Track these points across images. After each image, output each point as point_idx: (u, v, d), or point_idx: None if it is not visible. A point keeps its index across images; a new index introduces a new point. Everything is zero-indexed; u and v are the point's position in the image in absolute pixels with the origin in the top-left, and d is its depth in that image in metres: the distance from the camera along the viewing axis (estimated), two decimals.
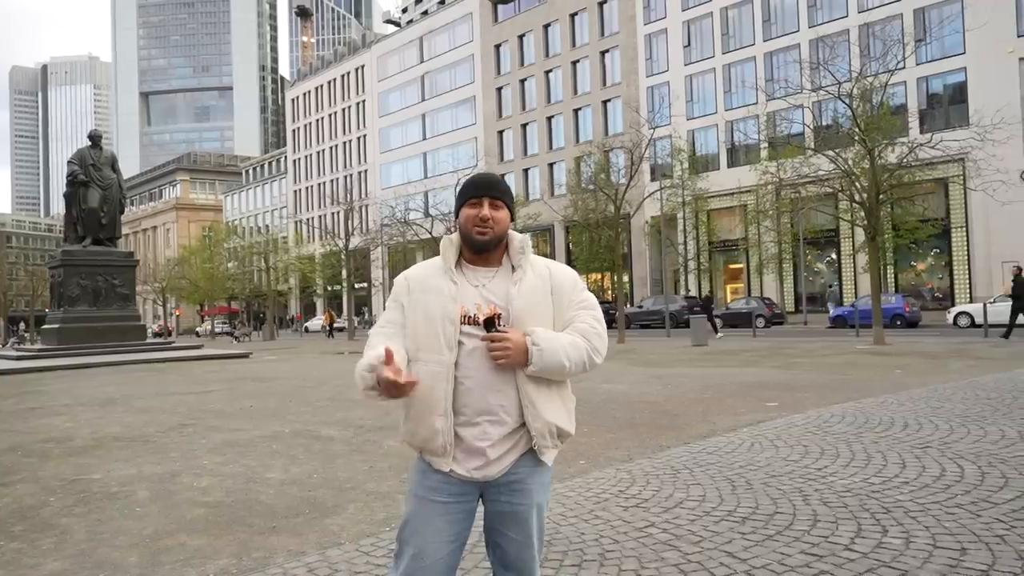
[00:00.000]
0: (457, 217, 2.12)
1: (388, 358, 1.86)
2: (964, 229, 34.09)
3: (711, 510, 4.02)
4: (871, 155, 18.69)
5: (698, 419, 7.29)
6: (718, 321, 27.06)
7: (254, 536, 4.05)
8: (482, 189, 2.07)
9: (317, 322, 58.43)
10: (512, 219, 2.11)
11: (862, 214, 20.17)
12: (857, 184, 19.19)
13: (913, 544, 3.32)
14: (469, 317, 1.98)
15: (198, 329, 65.71)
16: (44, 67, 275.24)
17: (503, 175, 53.90)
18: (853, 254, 34.51)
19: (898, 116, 26.13)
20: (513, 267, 2.07)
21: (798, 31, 39.68)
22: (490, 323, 1.94)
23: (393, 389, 1.84)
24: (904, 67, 22.95)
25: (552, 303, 2.06)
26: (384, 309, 2.17)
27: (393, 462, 5.80)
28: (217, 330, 61.67)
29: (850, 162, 19.69)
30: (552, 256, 48.98)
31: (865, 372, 11.30)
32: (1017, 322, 17.91)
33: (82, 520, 4.49)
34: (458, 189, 2.15)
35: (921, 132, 29.34)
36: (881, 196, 19.14)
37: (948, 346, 16.26)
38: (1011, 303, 18.31)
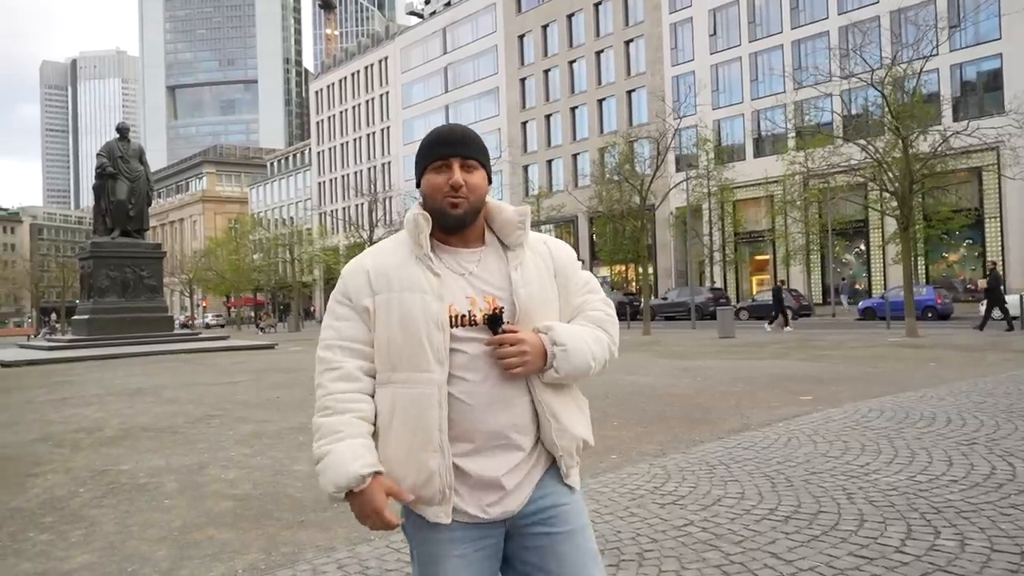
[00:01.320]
0: (419, 186, 1.66)
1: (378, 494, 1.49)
2: (998, 219, 33.32)
3: (751, 508, 3.88)
4: (904, 143, 18.27)
5: (730, 413, 7.13)
6: (789, 313, 24.38)
7: (282, 530, 3.99)
8: (449, 147, 1.60)
9: None
10: (489, 181, 1.66)
11: (894, 204, 19.76)
12: (889, 174, 18.79)
13: (969, 547, 3.17)
14: (461, 317, 1.55)
15: (180, 320, 63.13)
16: (73, 62, 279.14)
17: (526, 166, 53.79)
18: (883, 245, 33.91)
19: (931, 104, 25.58)
20: (505, 245, 1.65)
21: (827, 18, 38.96)
22: (495, 320, 1.53)
23: (376, 524, 1.49)
24: (937, 54, 22.41)
25: (558, 288, 1.67)
26: (329, 314, 1.64)
27: None
28: (210, 322, 61.71)
29: (881, 151, 19.28)
30: (577, 248, 48.83)
31: (899, 365, 11.04)
32: (993, 316, 18.90)
33: (111, 512, 4.47)
34: (419, 147, 1.66)
35: (955, 120, 28.70)
36: (914, 186, 18.72)
37: (983, 339, 15.87)
38: (990, 298, 19.19)
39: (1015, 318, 19.18)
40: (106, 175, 23.45)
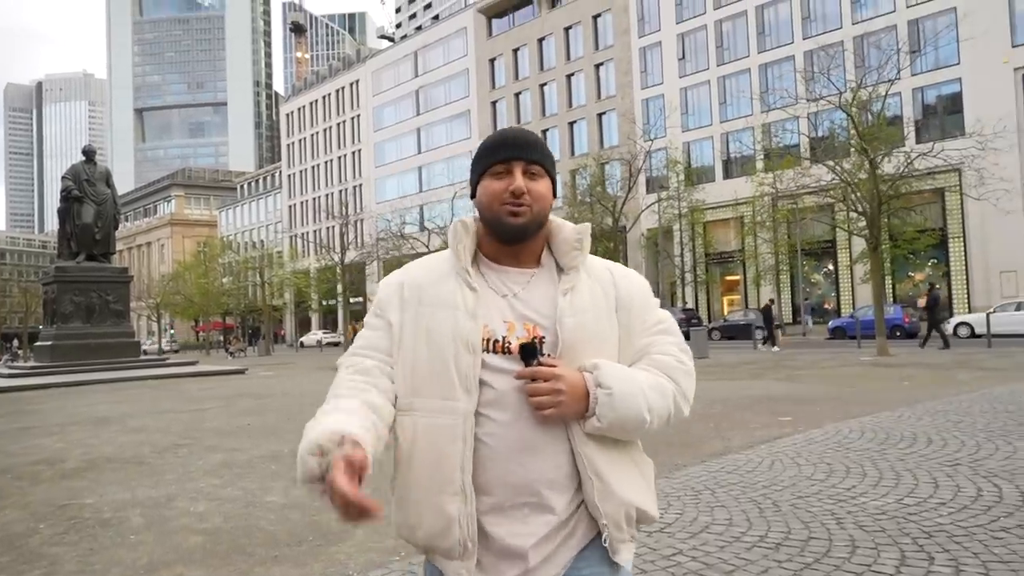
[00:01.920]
0: (474, 195, 1.46)
1: (347, 445, 1.19)
2: (961, 239, 34.04)
3: (740, 535, 3.79)
4: (871, 164, 18.60)
5: (711, 435, 7.07)
6: (779, 332, 24.09)
7: (255, 567, 3.81)
8: (513, 149, 1.40)
9: (313, 337, 58.04)
10: (555, 194, 1.48)
11: (862, 224, 20.08)
12: (856, 194, 19.11)
13: (964, 573, 3.11)
14: (495, 342, 1.34)
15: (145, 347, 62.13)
16: (39, 84, 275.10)
17: None
18: (851, 264, 34.45)
19: (896, 126, 26.14)
20: (561, 268, 1.43)
21: (792, 42, 39.78)
22: (530, 351, 1.30)
23: (343, 505, 1.14)
24: (900, 78, 22.95)
25: (619, 325, 1.42)
26: (363, 326, 1.50)
27: None
28: (164, 347, 60.28)
29: (848, 172, 19.62)
30: None
31: (874, 384, 11.10)
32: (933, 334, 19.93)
33: (73, 549, 4.25)
34: (475, 152, 1.48)
35: (918, 142, 29.35)
36: (882, 207, 19.05)
37: (952, 357, 16.08)
38: (929, 317, 20.40)
39: (980, 336, 19.56)
40: (72, 198, 22.99)
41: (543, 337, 1.35)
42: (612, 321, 1.41)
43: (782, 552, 3.49)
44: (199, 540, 4.32)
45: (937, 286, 22.17)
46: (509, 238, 1.40)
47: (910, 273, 36.59)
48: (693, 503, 4.49)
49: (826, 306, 39.24)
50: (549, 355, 1.34)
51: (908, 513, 4.00)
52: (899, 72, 21.25)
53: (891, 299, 34.13)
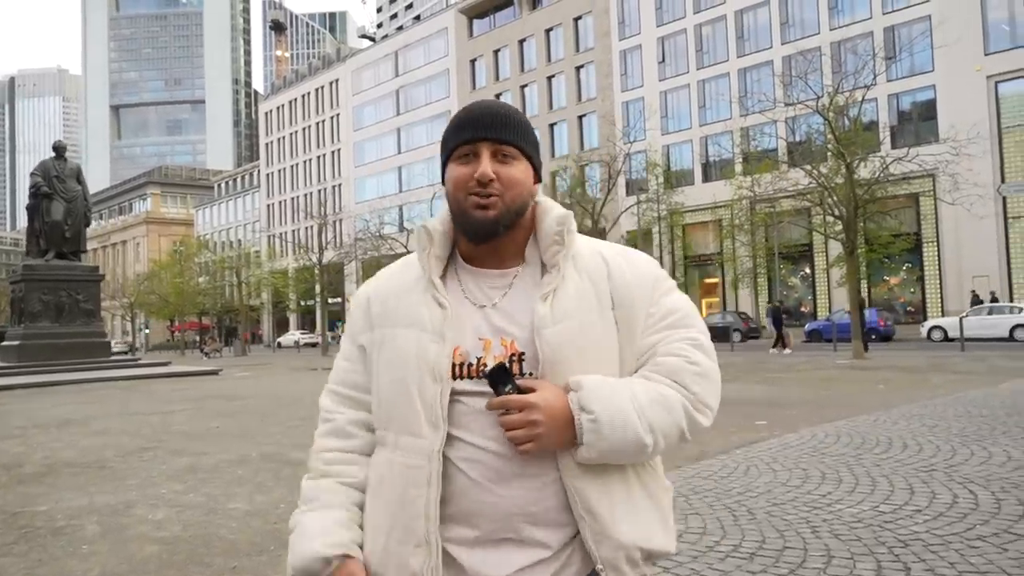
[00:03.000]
0: (444, 183, 1.25)
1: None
2: (935, 243, 34.43)
3: (714, 544, 3.70)
4: (848, 169, 18.72)
5: None
6: (789, 335, 23.19)
7: None
8: (479, 128, 1.18)
9: (291, 337, 57.48)
10: (538, 179, 1.25)
11: (838, 228, 20.21)
12: (833, 198, 19.23)
13: None
14: (469, 365, 1.16)
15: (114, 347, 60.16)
16: (11, 79, 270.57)
17: None
18: (827, 268, 34.71)
19: (871, 132, 26.37)
20: (545, 265, 1.21)
21: (771, 47, 40.04)
22: (500, 376, 1.11)
23: None
24: (876, 83, 23.14)
25: (616, 323, 1.18)
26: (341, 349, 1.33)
27: None
28: (137, 346, 58.92)
29: (825, 176, 19.73)
30: None
31: (849, 387, 11.12)
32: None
33: (21, 560, 4.06)
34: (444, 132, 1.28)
35: (893, 147, 29.65)
36: (858, 211, 19.18)
37: (926, 360, 16.20)
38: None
39: (953, 339, 19.82)
40: (41, 195, 22.50)
41: (522, 353, 1.15)
42: (607, 322, 1.17)
43: (756, 562, 3.40)
44: (155, 550, 4.15)
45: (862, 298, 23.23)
46: (477, 236, 1.19)
47: (885, 277, 36.96)
48: None
49: (802, 309, 39.52)
50: (531, 374, 1.14)
51: (884, 521, 3.93)
52: (875, 78, 21.43)
53: (867, 303, 34.46)
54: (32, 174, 23.12)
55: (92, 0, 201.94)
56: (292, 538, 1.21)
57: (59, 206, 22.56)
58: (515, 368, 1.14)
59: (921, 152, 20.59)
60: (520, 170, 1.20)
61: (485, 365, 1.14)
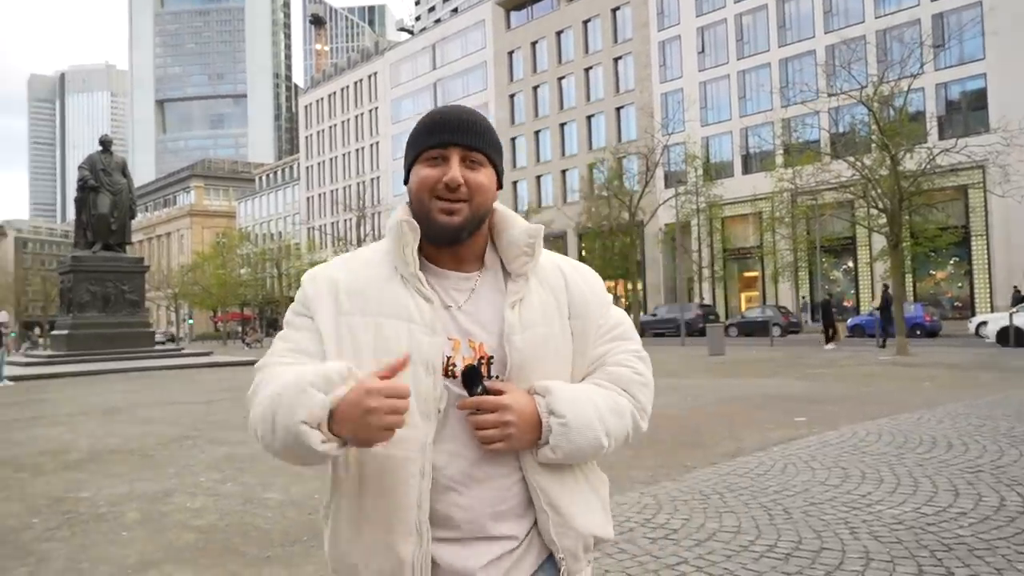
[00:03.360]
0: (407, 182, 1.26)
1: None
2: (984, 237, 33.42)
3: (749, 544, 3.63)
4: (893, 160, 18.24)
5: (723, 435, 6.89)
6: (841, 328, 22.22)
7: (245, 568, 3.70)
8: (448, 132, 1.20)
9: None
10: (499, 185, 1.27)
11: (882, 221, 19.72)
12: (877, 191, 18.75)
13: None
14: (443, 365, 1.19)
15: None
16: (62, 75, 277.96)
17: (515, 182, 53.67)
18: (871, 262, 33.94)
19: (918, 122, 25.65)
20: (508, 273, 1.26)
21: (814, 36, 39.20)
22: (473, 377, 1.15)
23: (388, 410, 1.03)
24: (923, 72, 22.49)
25: (571, 333, 1.26)
26: (285, 327, 1.26)
27: None
28: (180, 336, 59.43)
29: (869, 168, 19.26)
30: None
31: (892, 384, 10.85)
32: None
33: (64, 545, 4.16)
34: (410, 132, 1.27)
35: (941, 138, 28.81)
36: (903, 203, 18.69)
37: (974, 357, 15.73)
38: (882, 317, 20.86)
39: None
40: (88, 188, 23.10)
41: (491, 357, 1.19)
42: (565, 331, 1.25)
43: (792, 563, 3.33)
44: (192, 538, 4.23)
45: (888, 284, 22.37)
46: (439, 240, 1.21)
47: (931, 271, 36.03)
48: (701, 508, 4.33)
49: (845, 304, 38.73)
50: (497, 377, 1.19)
51: (926, 523, 3.81)
52: (922, 66, 20.81)
53: (912, 297, 33.63)
54: (80, 167, 23.74)
55: None
56: (277, 400, 1.08)
57: (105, 199, 23.13)
58: (483, 370, 1.18)
59: (970, 143, 19.95)
60: (486, 176, 1.22)
61: (454, 365, 1.17)
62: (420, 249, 1.22)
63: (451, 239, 1.21)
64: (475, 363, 1.18)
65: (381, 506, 1.15)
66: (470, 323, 1.21)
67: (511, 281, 1.24)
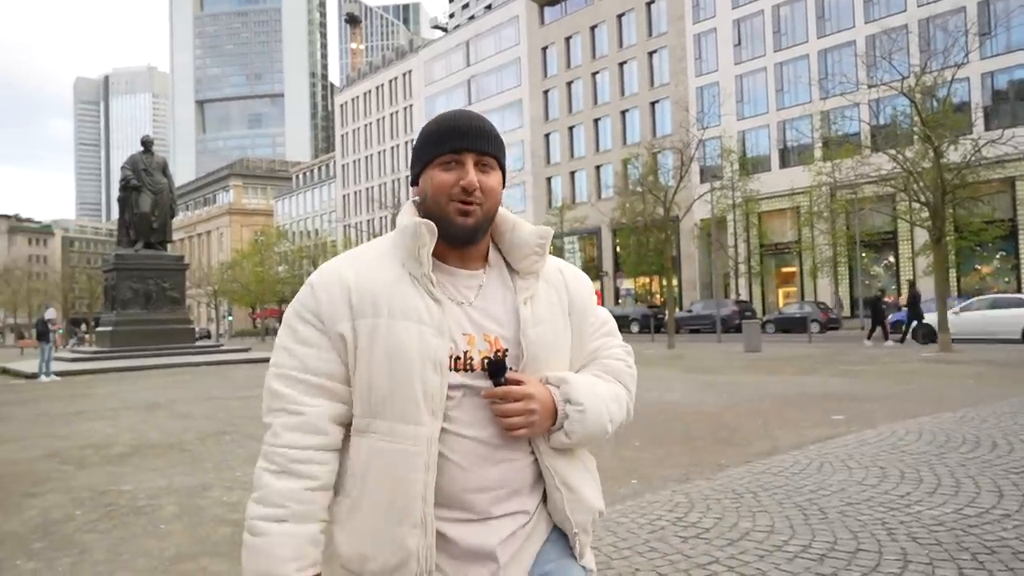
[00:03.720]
0: (415, 183, 1.34)
1: None
2: None
3: (783, 544, 3.57)
4: (936, 153, 17.78)
5: (758, 433, 6.79)
6: (887, 324, 21.31)
7: None
8: (466, 139, 1.26)
9: None
10: (503, 184, 1.35)
11: (924, 215, 19.25)
12: (919, 184, 18.30)
13: None
14: (456, 359, 1.24)
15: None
16: (106, 78, 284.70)
17: (549, 178, 53.54)
18: (912, 257, 33.21)
19: (962, 113, 25.00)
20: (514, 271, 1.35)
21: (853, 27, 38.43)
22: (498, 368, 1.23)
23: None
24: (968, 62, 21.90)
25: (571, 329, 1.37)
26: (288, 333, 1.30)
27: None
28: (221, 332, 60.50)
29: (911, 161, 18.80)
30: (600, 260, 48.53)
31: (935, 382, 10.59)
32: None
33: (104, 537, 4.26)
34: (420, 136, 1.33)
35: (987, 129, 28.03)
36: (946, 196, 18.21)
37: (1021, 354, 15.28)
38: (908, 313, 20.69)
39: None
40: (130, 188, 23.65)
41: (506, 350, 1.28)
42: (567, 326, 1.36)
43: (827, 564, 3.26)
44: (227, 532, 4.29)
45: (913, 281, 23.02)
46: (456, 240, 1.28)
47: (977, 266, 35.12)
48: (734, 507, 4.27)
49: (887, 299, 37.94)
50: (514, 369, 1.27)
51: (968, 525, 3.71)
52: (967, 56, 20.25)
53: (956, 293, 32.80)
54: (122, 168, 24.33)
55: (178, 0, 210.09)
56: (257, 544, 1.19)
57: (147, 198, 23.65)
58: (477, 366, 1.26)
59: (1017, 133, 19.38)
60: (496, 179, 1.30)
61: (471, 359, 1.25)
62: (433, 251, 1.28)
63: (467, 239, 1.29)
64: (491, 355, 1.25)
65: (388, 500, 1.21)
66: (483, 318, 1.28)
67: (520, 279, 1.33)
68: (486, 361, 1.24)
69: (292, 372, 1.26)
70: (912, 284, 21.69)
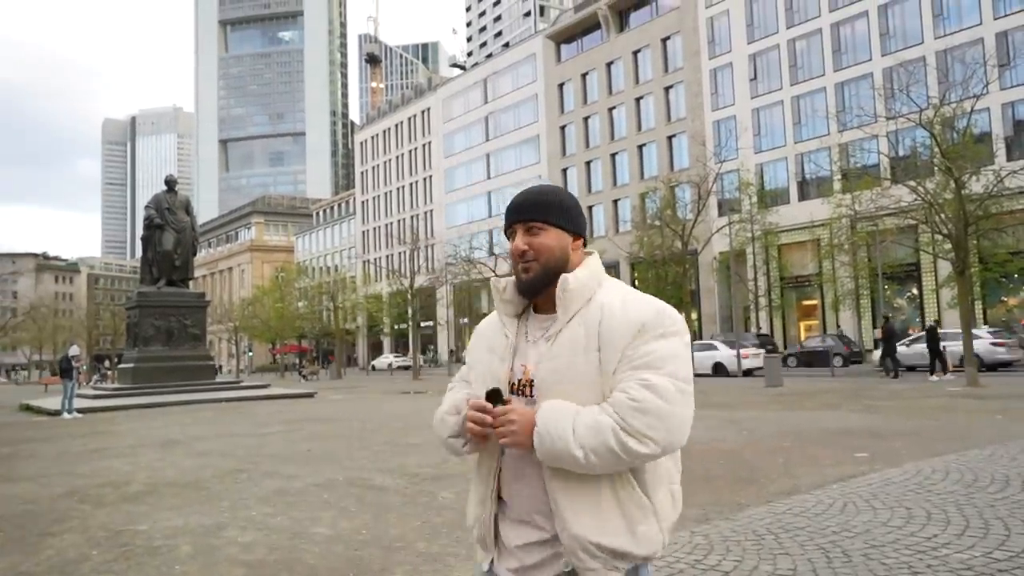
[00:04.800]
0: None
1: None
2: None
3: None
4: (957, 184, 17.64)
5: (779, 472, 6.67)
6: (946, 356, 20.06)
7: None
8: (512, 213, 1.61)
9: (384, 360, 58.83)
10: (583, 240, 1.65)
11: (947, 247, 19.05)
12: (941, 216, 18.13)
13: None
14: (513, 384, 1.59)
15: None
16: (133, 119, 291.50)
17: None
18: (936, 289, 32.80)
19: (983, 144, 24.83)
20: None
21: (870, 59, 38.50)
22: (491, 394, 1.54)
23: (480, 416, 1.53)
24: (987, 92, 21.80)
25: (600, 362, 1.50)
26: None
27: (448, 517, 5.41)
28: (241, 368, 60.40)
29: (932, 192, 18.65)
30: None
31: (962, 418, 10.37)
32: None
33: None
34: None
35: (1008, 160, 27.81)
36: (969, 228, 18.01)
37: None
38: (883, 346, 22.15)
39: None
40: (153, 226, 24.00)
41: (531, 379, 1.56)
42: (590, 360, 1.51)
43: None
44: (241, 573, 4.26)
45: (891, 316, 24.36)
46: (524, 293, 1.64)
47: (1003, 297, 34.56)
48: (755, 549, 4.18)
49: (910, 332, 37.39)
50: (524, 394, 1.58)
51: (998, 569, 3.60)
52: (986, 86, 20.17)
53: (982, 325, 32.26)
54: (146, 207, 24.72)
55: (204, 42, 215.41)
56: (440, 410, 1.71)
57: (170, 236, 23.99)
58: (527, 391, 1.57)
59: None
60: (550, 237, 1.59)
61: (524, 385, 1.59)
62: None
63: (527, 291, 1.62)
64: (494, 388, 1.56)
65: (479, 482, 1.67)
66: (533, 352, 1.59)
67: (555, 321, 1.59)
68: (487, 392, 1.55)
69: (459, 376, 1.82)
70: (887, 318, 22.61)
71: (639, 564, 1.52)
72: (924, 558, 3.83)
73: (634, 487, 1.50)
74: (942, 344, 20.09)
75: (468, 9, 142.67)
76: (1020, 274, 29.24)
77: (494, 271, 34.47)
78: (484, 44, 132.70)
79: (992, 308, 34.68)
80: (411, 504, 5.97)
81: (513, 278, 1.65)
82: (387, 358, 59.46)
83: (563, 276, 1.56)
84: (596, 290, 1.58)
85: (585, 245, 1.67)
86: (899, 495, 5.37)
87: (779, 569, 3.78)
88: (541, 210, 1.59)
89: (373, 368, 58.40)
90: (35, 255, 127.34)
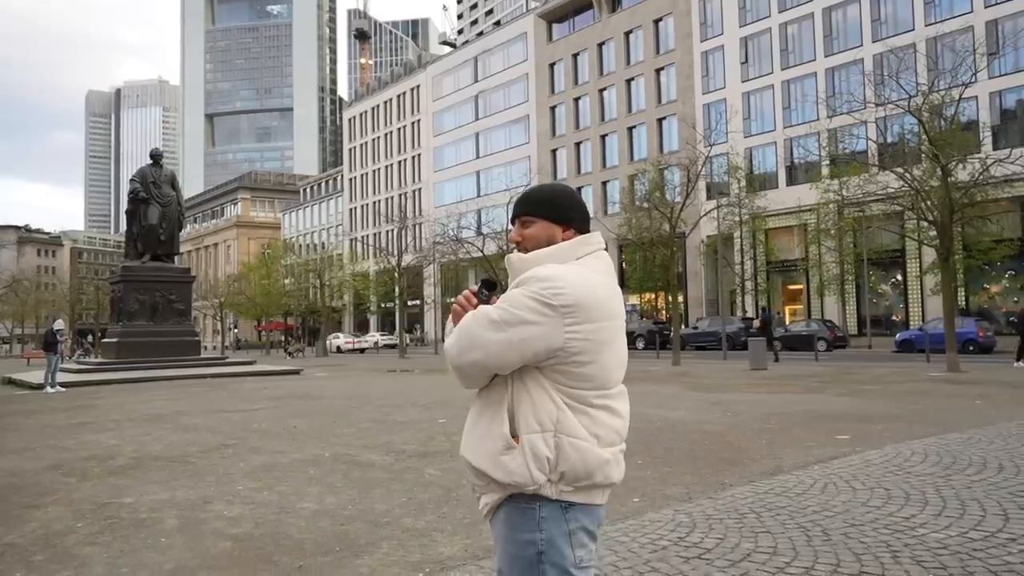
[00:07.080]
0: None
1: None
2: None
3: (784, 566, 3.54)
4: (943, 172, 17.75)
5: (762, 453, 6.75)
6: None
7: None
8: (512, 210, 1.93)
9: (369, 339, 58.59)
10: (571, 228, 1.86)
11: (932, 234, 19.21)
12: (927, 203, 18.27)
13: None
14: None
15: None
16: (118, 91, 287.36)
17: None
18: (920, 275, 33.10)
19: (971, 132, 24.97)
20: None
21: (861, 46, 38.52)
22: (487, 284, 1.85)
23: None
24: (976, 81, 21.89)
25: None
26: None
27: (434, 494, 5.45)
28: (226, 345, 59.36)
29: (919, 179, 18.77)
30: None
31: (942, 402, 10.52)
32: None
33: (104, 550, 4.25)
34: None
35: (995, 148, 27.98)
36: (954, 215, 18.15)
37: None
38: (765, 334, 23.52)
39: None
40: (138, 200, 23.76)
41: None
42: None
43: None
44: (227, 546, 4.28)
45: (767, 307, 26.20)
46: None
47: (985, 285, 34.95)
48: (736, 527, 4.24)
49: (894, 318, 37.77)
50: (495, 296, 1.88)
51: (973, 549, 3.67)
52: (975, 75, 20.25)
53: (964, 312, 32.63)
54: (131, 180, 24.46)
55: (191, 14, 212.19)
56: None
57: (155, 210, 23.77)
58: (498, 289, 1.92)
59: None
60: (536, 228, 1.86)
61: None
62: None
63: None
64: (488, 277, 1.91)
65: None
66: None
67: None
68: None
69: None
70: (764, 309, 23.74)
71: (516, 495, 1.69)
72: (902, 537, 3.91)
73: (504, 422, 1.71)
74: None
75: None
76: (1003, 262, 29.60)
77: (481, 251, 34.38)
78: (475, 22, 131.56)
79: (975, 295, 35.07)
80: (397, 480, 6.00)
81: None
82: (338, 338, 53.41)
83: (507, 255, 1.88)
84: (538, 266, 1.76)
85: (582, 232, 1.87)
86: (879, 476, 5.46)
87: (760, 547, 3.85)
88: (529, 206, 1.89)
89: (338, 350, 50.47)
90: (16, 227, 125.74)
